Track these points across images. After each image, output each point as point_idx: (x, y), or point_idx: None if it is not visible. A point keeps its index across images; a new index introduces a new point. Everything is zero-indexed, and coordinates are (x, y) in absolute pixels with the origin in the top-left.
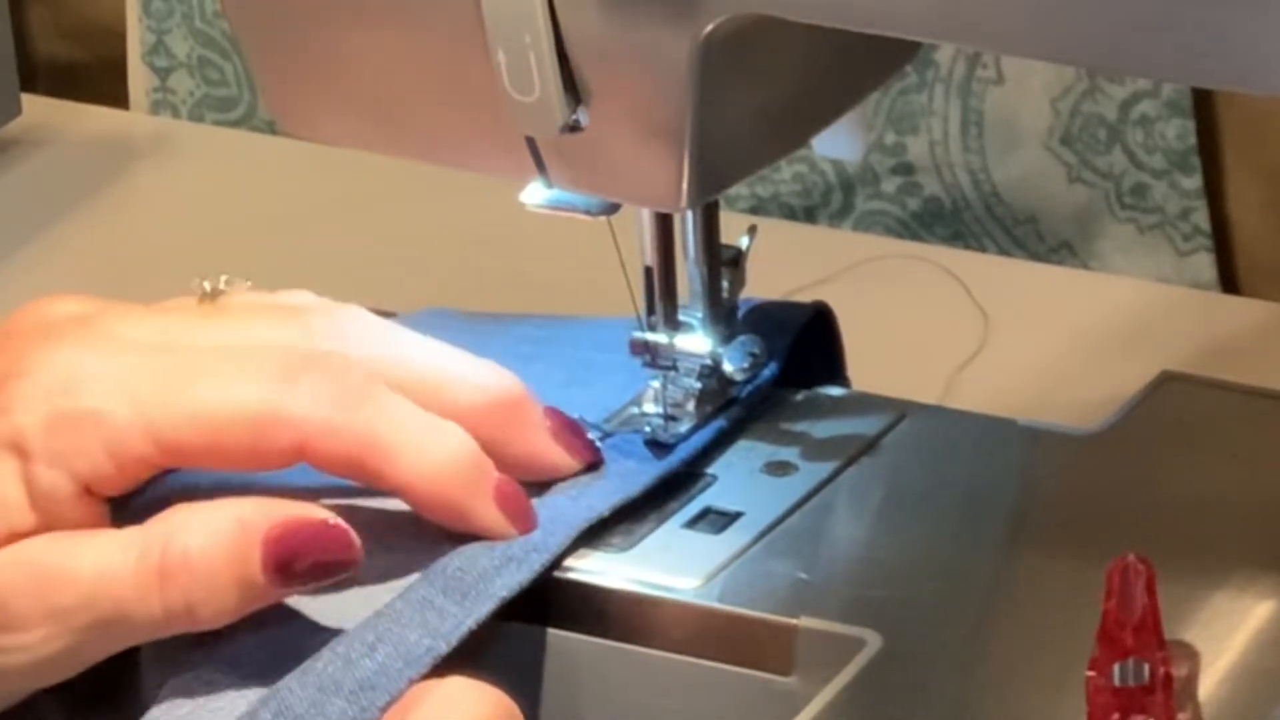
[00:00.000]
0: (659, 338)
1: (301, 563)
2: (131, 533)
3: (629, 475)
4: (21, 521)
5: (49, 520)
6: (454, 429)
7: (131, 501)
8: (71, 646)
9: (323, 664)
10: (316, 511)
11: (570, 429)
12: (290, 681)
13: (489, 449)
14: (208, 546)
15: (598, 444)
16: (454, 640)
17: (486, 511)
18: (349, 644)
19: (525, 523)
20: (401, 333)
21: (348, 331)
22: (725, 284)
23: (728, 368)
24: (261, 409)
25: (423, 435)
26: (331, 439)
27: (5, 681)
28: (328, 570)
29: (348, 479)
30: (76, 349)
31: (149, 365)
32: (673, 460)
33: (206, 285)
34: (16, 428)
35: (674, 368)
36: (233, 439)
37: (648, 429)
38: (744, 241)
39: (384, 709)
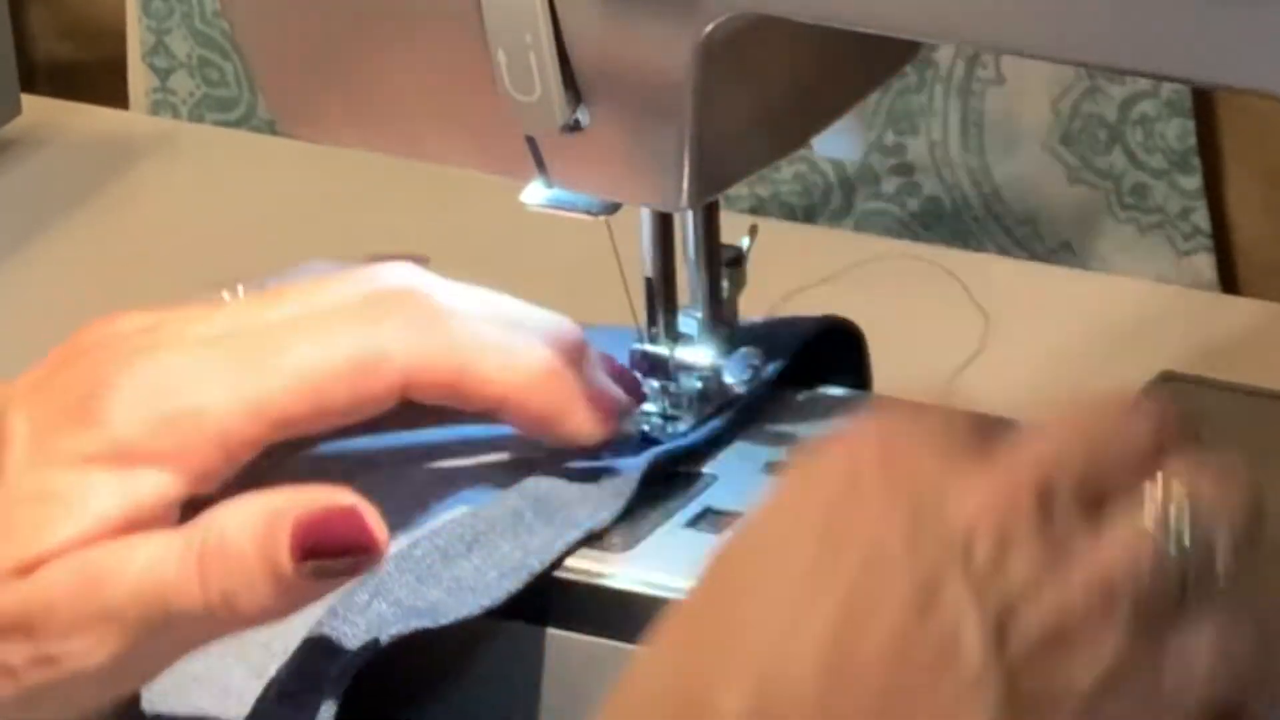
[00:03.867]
0: (660, 349)
1: (328, 548)
2: (182, 529)
3: (634, 464)
4: (105, 531)
5: (139, 529)
6: (538, 343)
7: None
8: (126, 649)
9: (421, 553)
10: (346, 497)
11: (615, 366)
12: (388, 565)
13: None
14: (239, 534)
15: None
16: (546, 560)
17: (581, 417)
18: (447, 538)
19: (613, 424)
20: (461, 308)
21: (409, 277)
22: (725, 284)
23: (728, 379)
24: (359, 354)
25: (511, 348)
26: (429, 368)
27: (68, 697)
28: (354, 557)
29: (445, 403)
30: (155, 354)
31: (234, 350)
32: (693, 438)
33: (227, 296)
34: (116, 438)
35: (674, 379)
36: (337, 392)
37: (646, 428)
38: (744, 242)
39: (483, 611)
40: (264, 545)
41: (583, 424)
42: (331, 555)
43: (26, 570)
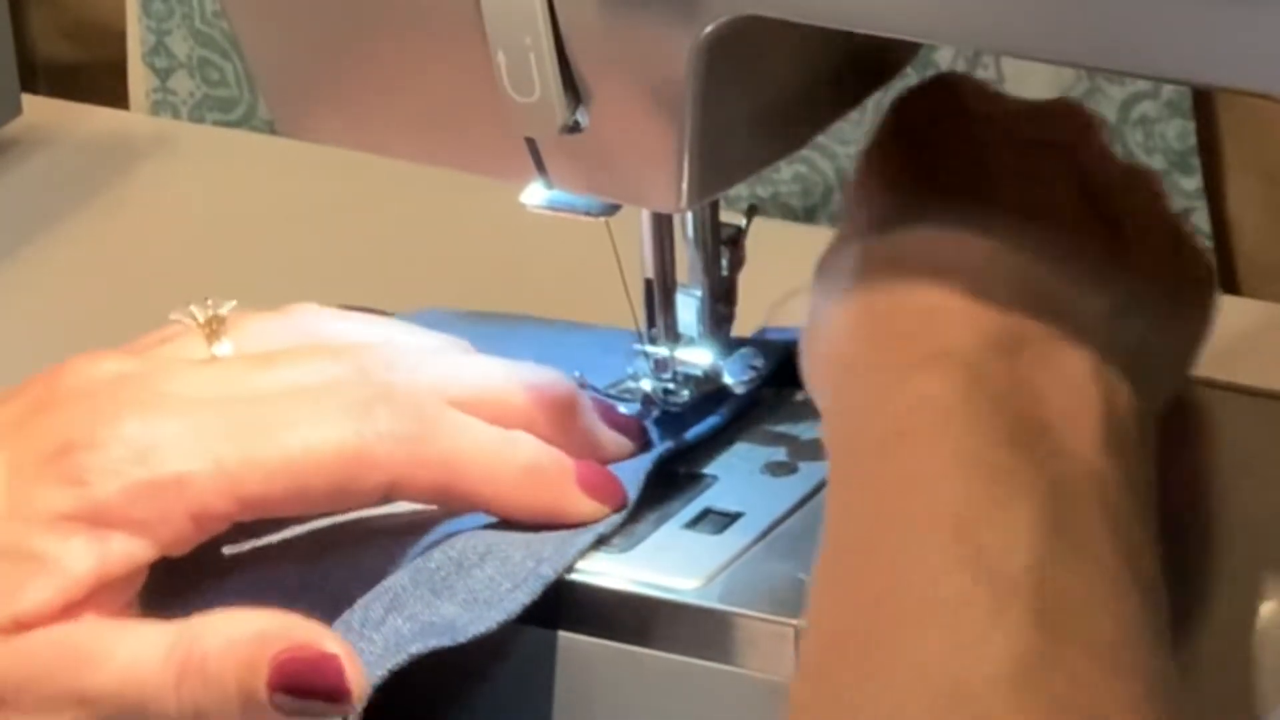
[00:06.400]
0: (660, 350)
1: (303, 688)
2: (168, 628)
3: (637, 465)
4: (77, 594)
5: (108, 590)
6: (524, 437)
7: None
8: None
9: (435, 565)
10: (330, 640)
11: (616, 416)
12: (402, 578)
13: (552, 443)
14: (222, 656)
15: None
16: (559, 567)
17: (579, 503)
18: (460, 548)
19: (617, 498)
20: (441, 352)
21: (396, 361)
22: (724, 262)
23: (728, 379)
24: (345, 453)
25: (499, 450)
26: (418, 472)
27: None
28: (327, 701)
29: (434, 504)
30: (142, 414)
31: (221, 421)
32: (695, 432)
33: (197, 314)
34: (96, 501)
35: (674, 380)
36: (318, 486)
37: (646, 391)
38: (742, 221)
39: (499, 626)
40: (243, 672)
41: (580, 511)
42: (305, 695)
43: (2, 631)
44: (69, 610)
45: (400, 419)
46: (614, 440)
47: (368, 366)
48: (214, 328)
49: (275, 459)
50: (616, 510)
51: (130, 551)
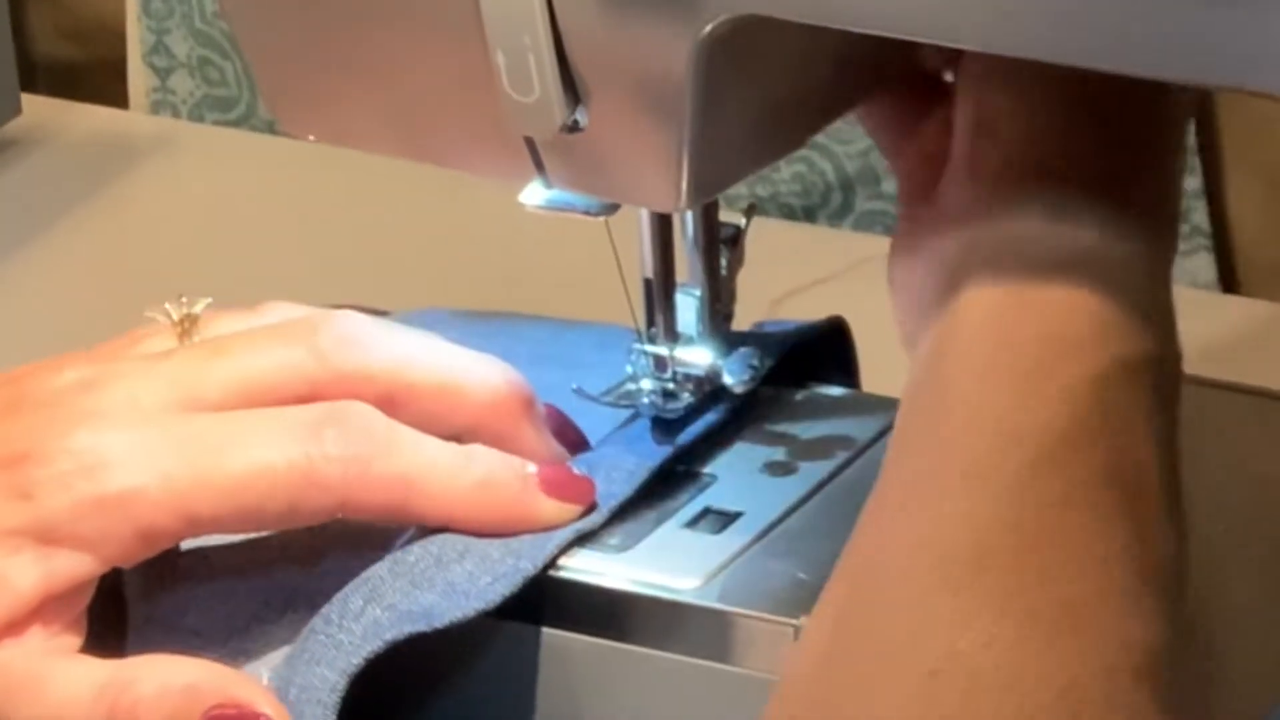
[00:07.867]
0: (659, 350)
1: None
2: (103, 668)
3: (634, 466)
4: (22, 610)
5: (54, 605)
6: (479, 451)
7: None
8: None
9: (414, 559)
10: (264, 702)
11: (566, 426)
12: (380, 570)
13: (499, 443)
14: (155, 703)
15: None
16: (538, 563)
17: (543, 509)
18: (440, 545)
19: (585, 495)
20: (402, 335)
21: (353, 342)
22: (723, 261)
23: (728, 379)
24: (294, 476)
25: (452, 467)
26: (369, 493)
27: None
28: None
29: (386, 522)
30: (94, 427)
31: (171, 435)
32: (680, 441)
33: (172, 312)
34: (42, 516)
35: (674, 379)
36: (268, 508)
37: (645, 401)
38: (741, 221)
39: (475, 615)
40: None
41: (545, 515)
42: None
43: None
44: (14, 627)
45: (349, 441)
46: (553, 450)
47: (321, 353)
48: (186, 326)
49: (223, 479)
50: (586, 508)
51: (76, 568)
